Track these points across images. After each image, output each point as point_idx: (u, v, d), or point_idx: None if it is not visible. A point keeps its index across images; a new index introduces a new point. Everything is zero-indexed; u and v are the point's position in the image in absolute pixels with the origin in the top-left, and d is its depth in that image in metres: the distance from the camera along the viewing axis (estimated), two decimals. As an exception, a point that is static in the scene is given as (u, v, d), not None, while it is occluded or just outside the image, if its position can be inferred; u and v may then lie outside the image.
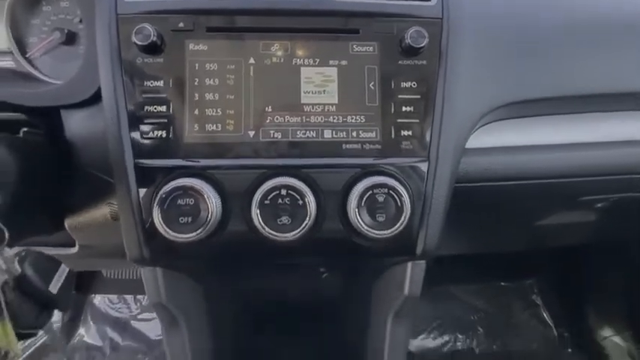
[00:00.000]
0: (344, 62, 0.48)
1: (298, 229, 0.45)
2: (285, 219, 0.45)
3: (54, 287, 0.45)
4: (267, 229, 0.45)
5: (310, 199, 0.45)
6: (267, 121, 0.47)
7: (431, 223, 0.49)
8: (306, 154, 0.47)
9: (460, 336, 1.31)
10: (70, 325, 1.36)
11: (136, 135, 0.47)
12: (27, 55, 0.61)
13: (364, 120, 0.48)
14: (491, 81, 0.52)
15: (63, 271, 0.47)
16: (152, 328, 1.36)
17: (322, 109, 0.48)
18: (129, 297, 1.41)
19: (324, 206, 0.47)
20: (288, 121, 0.48)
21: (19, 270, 0.43)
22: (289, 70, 0.48)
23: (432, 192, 0.49)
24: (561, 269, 1.37)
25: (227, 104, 0.47)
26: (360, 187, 0.46)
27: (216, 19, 0.47)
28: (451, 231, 0.74)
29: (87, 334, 1.36)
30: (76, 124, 0.52)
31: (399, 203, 0.46)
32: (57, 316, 1.35)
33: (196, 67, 0.47)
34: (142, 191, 0.46)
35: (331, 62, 0.48)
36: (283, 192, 0.45)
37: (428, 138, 0.48)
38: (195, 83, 0.47)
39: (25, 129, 0.53)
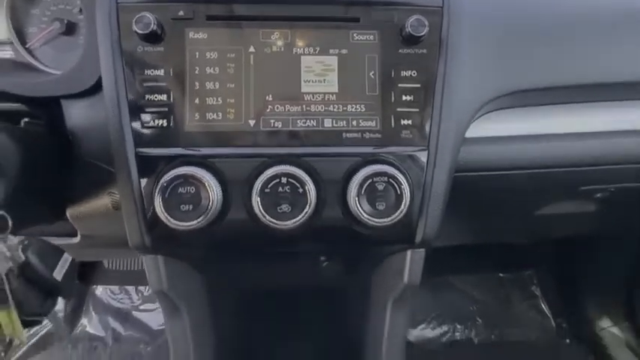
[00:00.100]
0: (344, 51, 0.48)
1: (298, 217, 0.46)
2: (285, 207, 0.46)
3: (58, 274, 0.46)
4: (267, 217, 0.46)
5: (310, 188, 0.46)
6: (268, 110, 0.48)
7: (430, 212, 0.50)
8: (307, 143, 0.48)
9: (459, 326, 1.32)
10: (73, 316, 1.37)
11: (136, 124, 0.47)
12: (27, 46, 0.61)
13: (364, 109, 0.48)
14: (491, 70, 0.52)
15: (66, 259, 0.48)
16: (154, 318, 1.38)
17: (322, 98, 0.48)
18: (130, 288, 1.42)
19: (324, 194, 0.47)
20: (288, 110, 0.48)
21: (23, 258, 0.44)
22: (289, 59, 0.48)
23: (432, 181, 0.49)
24: (560, 261, 1.38)
25: (227, 93, 0.47)
26: (360, 175, 0.46)
27: (216, 7, 0.47)
28: (451, 221, 0.75)
29: (89, 324, 1.38)
30: (77, 114, 0.52)
31: (399, 191, 0.46)
32: (60, 305, 1.36)
33: (196, 56, 0.47)
34: (143, 180, 0.47)
35: (331, 51, 0.48)
36: (284, 180, 0.46)
37: (428, 127, 0.49)
38: (196, 72, 0.47)
39: (26, 119, 0.53)
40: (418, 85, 0.48)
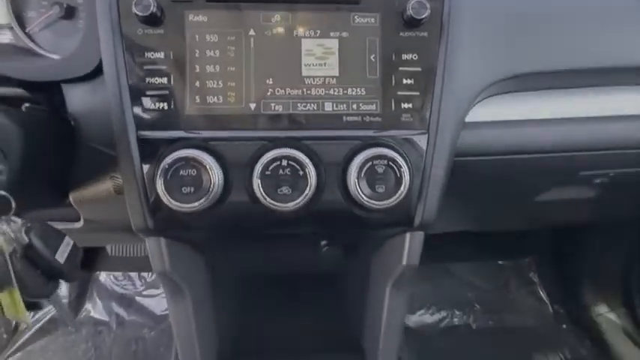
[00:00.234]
0: (345, 34, 0.48)
1: (298, 200, 0.46)
2: (285, 189, 0.46)
3: (60, 257, 0.47)
4: (268, 199, 0.46)
5: (310, 170, 0.46)
6: (268, 93, 0.48)
7: (429, 195, 0.50)
8: (307, 127, 0.48)
9: (457, 312, 1.34)
10: (77, 301, 1.40)
11: (137, 107, 0.47)
12: (26, 30, 0.60)
13: (365, 92, 0.48)
14: (492, 54, 0.52)
15: (68, 242, 0.49)
16: (157, 303, 1.40)
17: (323, 82, 0.48)
18: (133, 274, 1.44)
19: (324, 177, 0.48)
20: (289, 93, 0.48)
21: (27, 240, 0.45)
22: (290, 42, 0.48)
23: (431, 164, 0.49)
24: (559, 248, 1.39)
25: (228, 76, 0.47)
26: (360, 158, 0.47)
27: None
28: (450, 207, 0.75)
29: (93, 309, 1.40)
30: (78, 98, 0.53)
31: (399, 174, 0.47)
32: (64, 291, 1.38)
33: (196, 39, 0.47)
34: (145, 163, 0.47)
35: (332, 34, 0.48)
36: (284, 163, 0.46)
37: (428, 111, 0.49)
38: (196, 55, 0.47)
39: (27, 105, 0.53)
40: (419, 69, 0.48)
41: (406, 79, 0.48)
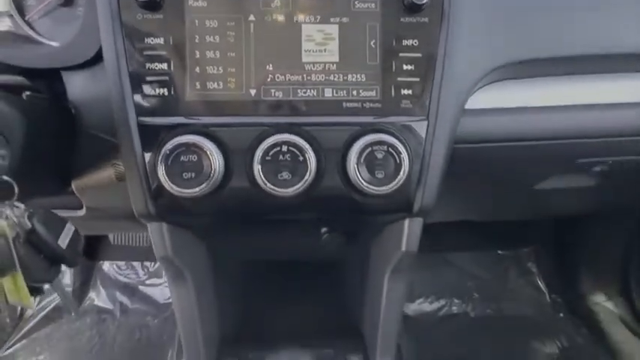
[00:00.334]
0: (345, 19, 0.48)
1: (298, 185, 0.46)
2: (285, 174, 0.46)
3: (62, 242, 0.47)
4: (268, 184, 0.46)
5: (310, 156, 0.46)
6: (269, 79, 0.48)
7: (428, 181, 0.50)
8: (307, 113, 0.48)
9: (456, 300, 1.36)
10: (81, 290, 1.42)
11: (138, 93, 0.47)
12: (26, 18, 0.60)
13: (365, 79, 0.48)
14: (493, 41, 0.52)
15: (70, 227, 0.49)
16: (160, 292, 1.42)
17: (323, 68, 0.48)
18: (136, 263, 1.46)
19: (324, 163, 0.48)
20: (289, 79, 0.48)
21: (29, 225, 0.45)
22: (290, 28, 0.47)
23: (431, 150, 0.50)
24: (558, 238, 1.40)
25: (228, 62, 0.47)
26: (359, 144, 0.47)
27: None
28: (450, 196, 0.76)
29: (97, 298, 1.42)
30: (78, 86, 0.53)
31: (398, 160, 0.47)
32: (68, 279, 1.40)
33: (196, 24, 0.47)
34: (146, 149, 0.47)
35: (332, 20, 0.48)
36: (284, 148, 0.46)
37: (428, 97, 0.49)
38: (196, 40, 0.47)
39: (28, 93, 0.53)
40: (419, 55, 0.48)
41: (406, 65, 0.48)
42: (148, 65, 0.47)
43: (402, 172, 0.47)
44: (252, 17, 0.47)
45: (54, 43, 0.58)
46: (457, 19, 0.49)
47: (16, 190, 0.44)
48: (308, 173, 0.46)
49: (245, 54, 0.47)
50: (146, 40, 0.47)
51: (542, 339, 1.24)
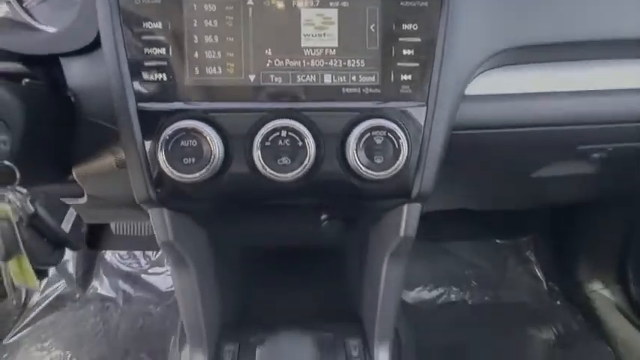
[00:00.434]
0: (345, 3, 0.47)
1: (298, 170, 0.47)
2: (285, 160, 0.47)
3: (65, 226, 0.48)
4: (268, 169, 0.47)
5: (310, 141, 0.47)
6: (268, 64, 0.47)
7: (427, 167, 0.51)
8: (306, 99, 0.48)
9: (454, 288, 1.37)
10: (84, 278, 1.44)
11: (137, 79, 0.47)
12: (24, 4, 0.60)
13: (364, 64, 0.48)
14: (492, 26, 0.52)
15: (72, 212, 0.50)
16: (162, 281, 1.44)
17: (322, 53, 0.48)
18: (138, 253, 1.47)
19: (323, 148, 0.48)
20: (288, 64, 0.48)
21: (32, 209, 0.46)
22: (289, 12, 0.47)
23: (430, 136, 0.50)
24: (556, 227, 1.41)
25: (226, 47, 0.47)
26: (358, 129, 0.47)
27: None
28: (449, 185, 0.76)
29: (100, 286, 1.44)
30: (77, 72, 0.52)
31: (397, 146, 0.47)
32: (71, 268, 1.42)
33: (194, 8, 0.46)
34: (146, 134, 0.48)
35: (331, 3, 0.47)
36: (283, 134, 0.46)
37: (427, 82, 0.49)
38: (194, 25, 0.46)
39: (27, 80, 0.53)
40: (419, 40, 0.48)
41: (406, 50, 0.48)
42: (146, 50, 0.47)
43: (400, 158, 0.47)
44: (250, 1, 0.47)
45: (52, 29, 0.58)
46: (457, 4, 0.48)
47: (18, 174, 0.44)
48: (307, 158, 0.47)
49: (244, 39, 0.47)
50: (144, 24, 0.46)
51: (539, 326, 1.26)
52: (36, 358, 1.19)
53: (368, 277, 0.69)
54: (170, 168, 0.46)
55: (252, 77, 0.48)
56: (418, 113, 0.49)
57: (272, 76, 0.48)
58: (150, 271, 1.46)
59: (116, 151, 0.58)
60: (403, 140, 0.47)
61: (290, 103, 0.48)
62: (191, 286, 0.61)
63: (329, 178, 0.50)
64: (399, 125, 0.48)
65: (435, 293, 1.36)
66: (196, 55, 0.47)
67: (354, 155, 0.47)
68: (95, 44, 0.50)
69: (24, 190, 0.45)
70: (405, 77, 0.48)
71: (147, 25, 0.46)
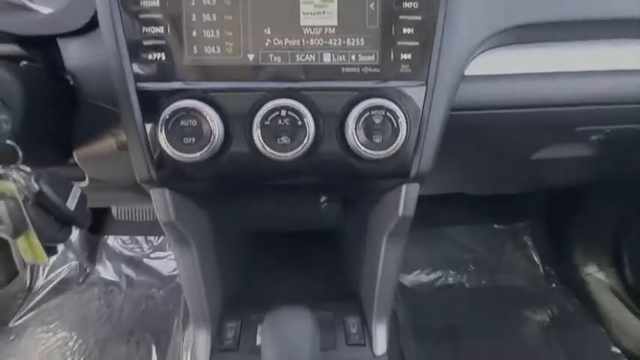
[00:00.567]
0: None
1: (297, 149, 0.47)
2: (285, 139, 0.47)
3: (70, 204, 0.49)
4: (267, 148, 0.47)
5: (309, 120, 0.47)
6: (266, 43, 0.47)
7: (426, 147, 0.51)
8: (305, 78, 0.48)
9: (452, 272, 1.40)
10: (88, 262, 1.46)
11: (135, 58, 0.47)
12: (20, -15, 0.59)
13: (364, 43, 0.48)
14: (493, 5, 0.51)
15: (76, 190, 0.50)
16: (164, 265, 1.46)
17: (321, 32, 0.47)
18: (140, 238, 1.49)
19: (322, 127, 0.49)
20: (287, 44, 0.47)
21: (37, 187, 0.46)
22: None
23: (429, 116, 0.50)
24: (553, 211, 1.42)
25: (225, 26, 0.47)
26: (358, 109, 0.47)
27: None
28: (448, 168, 0.76)
29: (103, 271, 1.47)
30: (75, 54, 0.52)
31: (396, 125, 0.47)
32: (75, 253, 1.44)
33: None
34: (146, 114, 0.48)
35: None
36: (283, 113, 0.47)
37: (427, 62, 0.48)
38: (192, 3, 0.46)
39: (25, 62, 0.53)
40: (419, 18, 0.48)
41: (406, 28, 0.47)
42: (144, 30, 0.46)
43: (399, 137, 0.48)
44: (248, -21, 0.46)
45: (48, 10, 0.57)
46: None
47: (20, 153, 0.45)
48: (307, 138, 0.47)
49: (242, 17, 0.46)
50: (142, 3, 0.46)
51: (534, 308, 1.29)
52: (42, 340, 1.22)
53: (367, 258, 0.70)
54: (171, 148, 0.47)
55: (250, 56, 0.48)
56: (417, 93, 0.49)
57: (271, 56, 0.48)
58: (152, 255, 1.48)
59: (116, 132, 0.59)
60: (402, 120, 0.47)
61: (289, 82, 0.48)
62: (193, 265, 0.62)
63: (328, 157, 0.50)
64: (398, 105, 0.48)
65: (432, 276, 1.39)
66: (194, 34, 0.47)
67: (353, 134, 0.48)
68: (92, 25, 0.49)
69: (27, 169, 0.46)
70: (404, 56, 0.48)
71: (144, 3, 0.46)
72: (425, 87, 0.49)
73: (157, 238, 1.49)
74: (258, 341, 0.65)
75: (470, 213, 1.44)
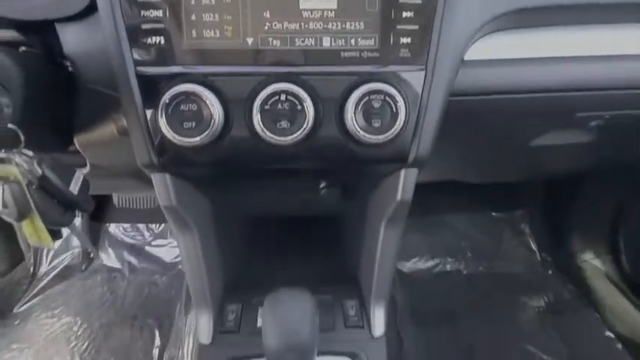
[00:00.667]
0: None
1: (297, 134, 0.47)
2: (284, 123, 0.47)
3: (73, 188, 0.49)
4: (267, 133, 0.47)
5: (308, 105, 0.47)
6: (266, 27, 0.47)
7: (424, 132, 0.51)
8: (305, 62, 0.48)
9: (450, 259, 1.42)
10: (92, 247, 1.48)
11: (134, 42, 0.47)
12: (15, -30, 0.58)
13: (363, 27, 0.48)
14: None
15: (79, 174, 0.51)
16: (166, 252, 1.48)
17: (321, 15, 0.47)
18: (141, 226, 1.51)
19: (321, 112, 0.49)
20: (286, 27, 0.47)
21: (40, 171, 0.47)
22: None
23: (427, 100, 0.50)
24: (550, 199, 1.43)
25: (223, 9, 0.46)
26: (357, 93, 0.47)
27: None
28: (446, 155, 0.77)
29: (106, 258, 1.48)
30: (73, 38, 0.52)
31: (395, 109, 0.48)
32: (77, 241, 1.45)
33: None
34: (146, 98, 0.48)
35: None
36: (282, 97, 0.47)
37: (426, 46, 0.48)
38: None
39: (23, 48, 0.53)
40: (419, 1, 0.47)
41: (406, 12, 0.47)
42: (143, 13, 0.46)
43: (398, 122, 0.48)
44: (247, -39, 0.46)
45: (45, -5, 0.57)
46: None
47: (22, 138, 0.45)
48: (306, 122, 0.47)
49: (241, 0, 0.46)
50: None
51: (530, 294, 1.31)
52: (47, 325, 1.24)
53: (366, 242, 0.71)
54: (171, 132, 0.47)
55: (250, 40, 0.47)
56: (417, 77, 0.49)
57: (270, 39, 0.47)
58: (153, 243, 1.49)
59: (117, 118, 0.59)
60: (401, 104, 0.48)
61: (289, 66, 0.48)
62: (195, 248, 0.63)
63: (327, 141, 0.50)
64: (397, 89, 0.48)
65: (430, 263, 1.41)
66: (193, 17, 0.46)
67: (352, 119, 0.48)
68: (90, 9, 0.49)
69: (30, 153, 0.46)
70: (404, 40, 0.48)
71: None
72: (424, 71, 0.49)
73: (157, 226, 1.50)
74: (259, 323, 0.67)
75: (468, 201, 1.45)
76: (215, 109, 0.47)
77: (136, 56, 0.47)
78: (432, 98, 0.50)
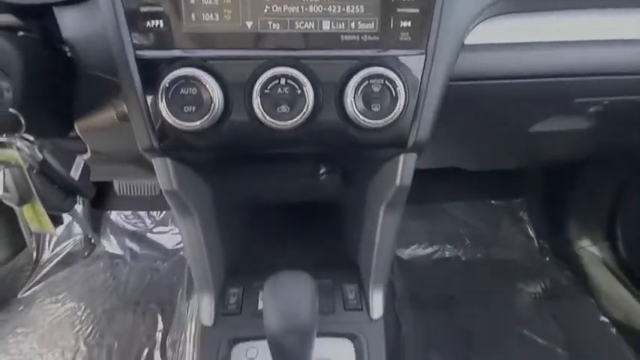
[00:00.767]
0: None
1: (297, 118, 0.48)
2: (284, 108, 0.47)
3: (74, 174, 0.50)
4: (267, 117, 0.48)
5: (308, 89, 0.47)
6: (265, 10, 0.47)
7: (424, 116, 0.51)
8: (305, 46, 0.48)
9: (448, 246, 1.43)
10: (93, 234, 1.49)
11: (133, 26, 0.46)
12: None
13: (363, 10, 0.47)
14: None
15: (79, 160, 0.51)
16: (167, 239, 1.49)
17: None
18: (142, 213, 1.52)
19: (321, 96, 0.49)
20: (286, 11, 0.47)
21: (41, 156, 0.47)
22: None
23: (427, 85, 0.50)
24: (549, 187, 1.44)
25: None
26: (357, 77, 0.47)
27: None
28: (446, 142, 0.77)
29: (108, 245, 1.50)
30: (71, 23, 0.52)
31: (394, 94, 0.48)
32: (78, 229, 1.47)
33: None
34: (146, 83, 0.48)
35: None
36: (282, 81, 0.47)
37: (426, 30, 0.48)
38: None
39: (22, 33, 0.52)
40: None
41: None
42: None
43: (397, 106, 0.48)
44: (246, -57, 0.45)
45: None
46: None
47: (23, 122, 0.45)
48: (306, 106, 0.47)
49: None
50: None
51: (527, 281, 1.33)
52: (51, 310, 1.27)
53: (365, 227, 0.72)
54: (171, 116, 0.47)
55: (249, 24, 0.47)
56: (417, 62, 0.49)
57: (270, 23, 0.47)
58: (155, 230, 1.51)
59: (117, 103, 0.59)
60: (400, 89, 0.48)
61: (289, 50, 0.48)
62: (196, 232, 0.64)
63: (327, 126, 0.50)
64: (397, 73, 0.48)
65: (429, 250, 1.42)
66: (193, 0, 0.46)
67: (352, 103, 0.48)
68: None
69: (31, 138, 0.47)
70: (404, 24, 0.47)
71: None
72: (424, 56, 0.49)
73: (159, 213, 1.51)
74: (260, 306, 0.69)
75: (467, 189, 1.46)
76: (215, 93, 0.47)
77: (135, 40, 0.47)
78: (432, 83, 0.50)
